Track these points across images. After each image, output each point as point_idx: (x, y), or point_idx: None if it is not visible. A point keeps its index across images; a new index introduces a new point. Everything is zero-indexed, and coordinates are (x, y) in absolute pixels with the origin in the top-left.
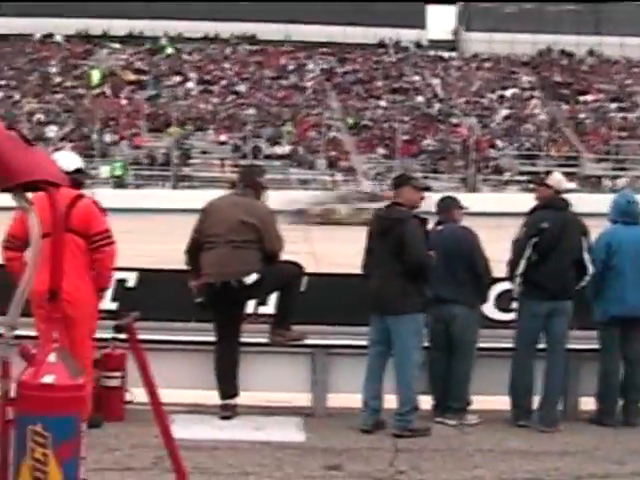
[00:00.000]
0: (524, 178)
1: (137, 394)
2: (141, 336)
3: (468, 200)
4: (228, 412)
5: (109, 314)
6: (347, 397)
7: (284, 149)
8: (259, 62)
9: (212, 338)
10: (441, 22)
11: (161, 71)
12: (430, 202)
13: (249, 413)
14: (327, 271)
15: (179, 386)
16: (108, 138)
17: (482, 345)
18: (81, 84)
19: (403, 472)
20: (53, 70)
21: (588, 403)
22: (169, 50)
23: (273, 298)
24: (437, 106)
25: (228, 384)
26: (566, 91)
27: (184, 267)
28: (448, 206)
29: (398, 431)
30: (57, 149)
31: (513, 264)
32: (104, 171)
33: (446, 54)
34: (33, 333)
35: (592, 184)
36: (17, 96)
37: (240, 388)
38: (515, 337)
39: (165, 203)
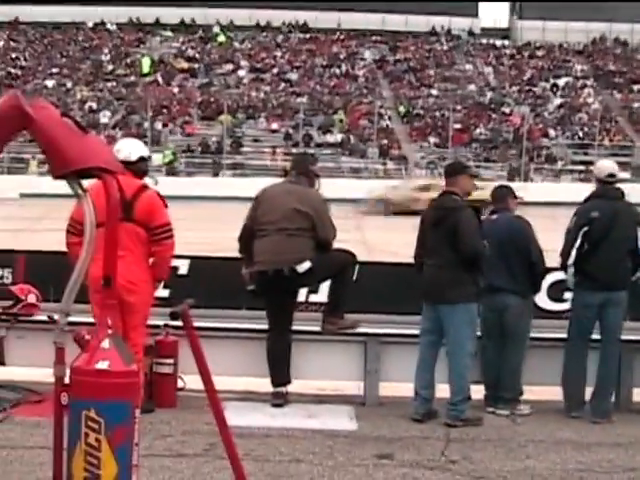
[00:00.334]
0: (577, 168)
1: (188, 381)
2: (194, 323)
3: (519, 190)
4: (280, 400)
5: (163, 301)
6: (399, 386)
7: (336, 137)
8: (311, 50)
9: (264, 326)
10: (494, 10)
11: (213, 59)
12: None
13: (301, 401)
14: (379, 260)
15: (231, 373)
16: (160, 126)
17: (534, 335)
18: (133, 72)
19: (454, 462)
20: (105, 58)
21: None
22: (221, 38)
23: (325, 286)
24: (489, 95)
25: (280, 372)
26: (620, 80)
27: (236, 255)
28: (503, 195)
29: (450, 421)
30: (109, 137)
31: (564, 254)
32: (156, 159)
33: (499, 42)
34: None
35: None
36: (69, 84)
37: (292, 376)
38: (569, 327)
39: (216, 191)
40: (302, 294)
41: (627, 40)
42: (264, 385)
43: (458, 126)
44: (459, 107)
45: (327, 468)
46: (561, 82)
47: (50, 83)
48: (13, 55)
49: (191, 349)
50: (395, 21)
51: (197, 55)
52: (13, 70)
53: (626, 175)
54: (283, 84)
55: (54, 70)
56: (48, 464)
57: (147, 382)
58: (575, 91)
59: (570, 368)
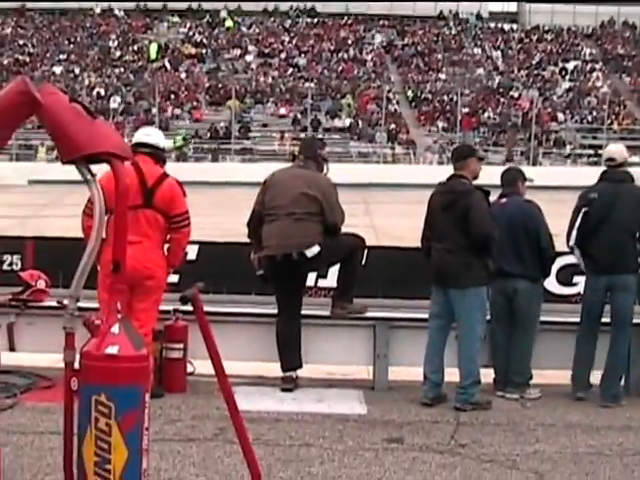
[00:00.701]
0: (586, 152)
1: (198, 366)
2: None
3: (528, 173)
4: (289, 384)
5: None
6: (408, 370)
7: (344, 122)
8: (319, 35)
9: (273, 310)
10: None
11: (220, 44)
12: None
13: (310, 385)
14: (387, 244)
15: (241, 358)
16: (168, 112)
17: (543, 319)
18: (140, 58)
19: (464, 445)
20: (113, 44)
21: None
22: (228, 23)
23: (334, 271)
24: (498, 79)
25: (290, 356)
26: (629, 63)
27: (245, 240)
28: (513, 178)
29: (460, 404)
30: (118, 123)
31: (567, 235)
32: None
33: (507, 26)
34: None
35: None
36: (77, 70)
37: (302, 360)
38: (580, 311)
39: (225, 176)
40: (311, 279)
41: (636, 23)
42: (274, 370)
43: (466, 110)
44: (467, 91)
45: (337, 452)
46: (570, 66)
47: (58, 69)
48: (21, 42)
49: (201, 334)
50: (403, 5)
51: (205, 40)
52: (21, 57)
53: (635, 159)
54: (291, 69)
55: (62, 56)
56: (59, 449)
57: (157, 367)
58: (584, 75)
59: (578, 351)
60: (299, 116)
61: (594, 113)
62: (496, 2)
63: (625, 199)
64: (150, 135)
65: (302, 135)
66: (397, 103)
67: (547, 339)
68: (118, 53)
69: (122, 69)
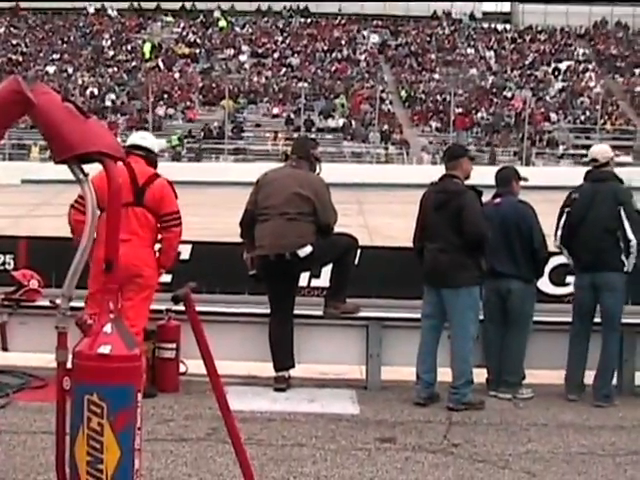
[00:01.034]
0: (578, 152)
1: (190, 366)
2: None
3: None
4: (282, 384)
5: (165, 286)
6: (401, 370)
7: (337, 122)
8: (312, 35)
9: (266, 310)
10: None
11: (214, 44)
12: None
13: (303, 385)
14: (380, 244)
15: (233, 358)
16: (161, 111)
17: (536, 319)
18: (134, 58)
19: (457, 445)
20: (106, 44)
21: None
22: (222, 23)
23: (327, 271)
24: (491, 79)
25: (282, 356)
26: (622, 64)
27: (238, 239)
28: (508, 178)
29: (452, 404)
30: (111, 122)
31: (554, 235)
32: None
33: (500, 26)
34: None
35: None
36: (70, 70)
37: (295, 360)
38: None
39: (219, 176)
40: (304, 278)
41: (628, 24)
42: (266, 369)
43: (460, 110)
44: (460, 91)
45: (329, 452)
46: (563, 66)
47: (51, 69)
48: (14, 41)
49: (193, 333)
50: (396, 5)
51: (198, 40)
52: (14, 56)
53: (628, 159)
54: (284, 69)
55: (55, 56)
56: (51, 449)
57: (149, 366)
58: (577, 75)
59: (570, 350)
60: (292, 116)
61: (587, 113)
62: (489, 2)
63: (603, 197)
64: (145, 139)
65: (295, 135)
66: (390, 103)
67: (540, 339)
68: (111, 53)
69: (115, 69)
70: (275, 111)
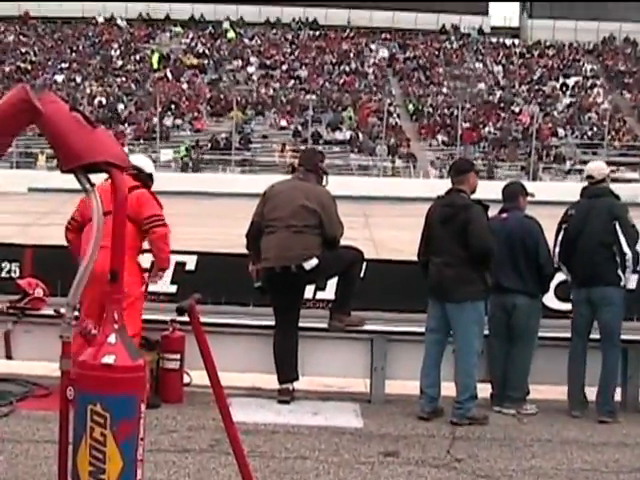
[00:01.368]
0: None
1: (194, 377)
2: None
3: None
4: (286, 396)
5: (169, 296)
6: (405, 384)
7: (344, 135)
8: (320, 47)
9: (271, 322)
10: (504, 9)
11: (222, 55)
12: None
13: (307, 398)
14: (386, 257)
15: (237, 369)
16: (169, 122)
17: (540, 334)
18: (142, 67)
19: (460, 460)
20: (115, 53)
21: None
22: (230, 34)
23: (332, 283)
24: (499, 93)
25: (287, 369)
26: (630, 80)
27: (243, 251)
28: (514, 193)
29: (456, 419)
30: (118, 132)
31: (552, 252)
32: (164, 154)
33: (508, 41)
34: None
35: None
36: (79, 79)
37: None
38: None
39: (226, 187)
40: (309, 291)
41: (637, 40)
42: (270, 381)
43: (467, 125)
44: (468, 105)
45: (333, 465)
46: (571, 81)
47: (60, 78)
48: (23, 50)
49: (198, 344)
50: (405, 19)
51: (207, 51)
52: (23, 65)
53: (634, 175)
54: (292, 81)
55: (64, 65)
56: (54, 458)
57: (153, 377)
58: (585, 91)
59: (570, 366)
60: (300, 128)
61: (594, 129)
62: (498, 17)
63: (598, 212)
64: (137, 159)
65: (302, 147)
66: (398, 116)
67: (544, 354)
68: (120, 62)
69: (124, 78)
70: (283, 123)
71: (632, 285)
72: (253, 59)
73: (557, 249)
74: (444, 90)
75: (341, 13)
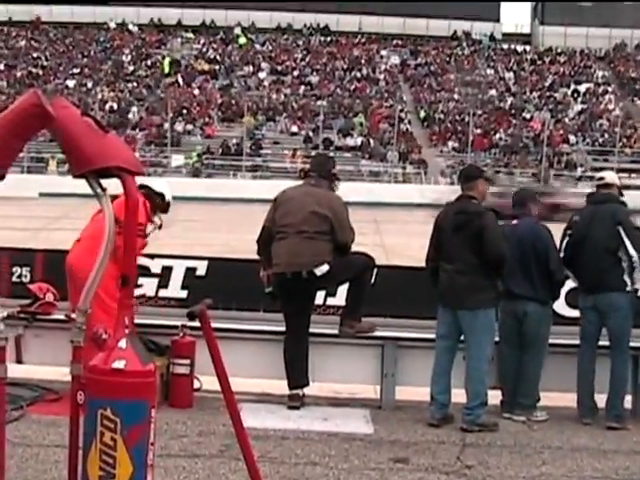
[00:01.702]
0: (597, 174)
1: (205, 382)
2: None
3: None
4: (296, 402)
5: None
6: (415, 390)
7: (355, 141)
8: (331, 53)
9: (281, 328)
10: (515, 15)
11: (233, 61)
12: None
13: (317, 404)
14: (397, 264)
15: (247, 375)
16: (180, 127)
17: (551, 341)
18: (154, 73)
19: (470, 467)
20: (126, 59)
21: None
22: (242, 40)
23: (343, 290)
24: (510, 100)
25: (297, 374)
26: None
27: (254, 257)
28: (524, 200)
29: (466, 425)
30: (129, 137)
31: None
32: (175, 160)
33: (520, 47)
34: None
35: None
36: (90, 84)
37: (309, 378)
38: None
39: (237, 192)
40: (320, 297)
41: None
42: (281, 387)
43: (478, 131)
44: (479, 112)
45: (342, 471)
46: (582, 88)
47: (71, 83)
48: (34, 55)
49: (208, 350)
50: (416, 25)
51: (218, 57)
52: (34, 69)
53: None
54: (303, 87)
55: (75, 70)
56: (63, 463)
57: (163, 382)
58: (596, 97)
59: (579, 373)
60: (311, 134)
61: (606, 136)
62: (509, 23)
63: (601, 217)
64: (158, 185)
65: (313, 153)
66: (409, 122)
67: (554, 361)
68: (131, 68)
69: (135, 84)
70: (294, 129)
71: None
72: (264, 65)
73: (561, 254)
74: (455, 96)
75: (352, 19)
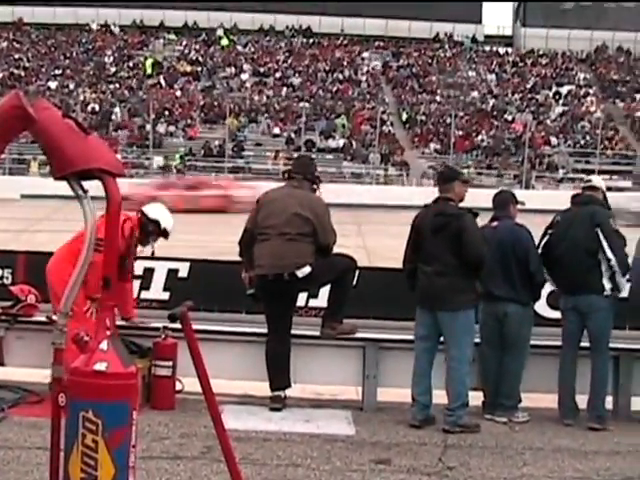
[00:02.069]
0: (578, 176)
1: (187, 384)
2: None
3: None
4: (278, 404)
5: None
6: (397, 391)
7: (338, 142)
8: (314, 55)
9: (263, 330)
10: (497, 17)
11: (216, 62)
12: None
13: (299, 405)
14: (379, 265)
15: (229, 377)
16: (162, 128)
17: (532, 342)
18: (136, 74)
19: (452, 468)
20: (108, 60)
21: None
22: (224, 42)
23: (325, 291)
24: (492, 102)
25: (279, 376)
26: (622, 88)
27: (236, 258)
28: (505, 201)
29: (448, 427)
30: (111, 139)
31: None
32: (157, 161)
33: (502, 49)
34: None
35: None
36: (72, 85)
37: (291, 380)
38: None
39: None
40: (302, 298)
41: (630, 49)
42: (262, 389)
43: (460, 133)
44: (461, 114)
45: (324, 473)
46: (564, 90)
47: (53, 84)
48: (16, 56)
49: (190, 351)
50: (398, 27)
51: (200, 58)
52: (16, 71)
53: (627, 184)
54: (286, 88)
55: (57, 71)
56: (45, 465)
57: (145, 384)
58: (578, 99)
59: (560, 374)
60: (293, 135)
61: (587, 137)
62: (491, 25)
63: (581, 219)
64: (155, 212)
65: (295, 155)
66: (391, 124)
67: (536, 362)
68: (113, 69)
69: (117, 85)
70: (276, 130)
71: (624, 293)
72: (246, 66)
73: (539, 251)
74: (437, 98)
75: (335, 21)
